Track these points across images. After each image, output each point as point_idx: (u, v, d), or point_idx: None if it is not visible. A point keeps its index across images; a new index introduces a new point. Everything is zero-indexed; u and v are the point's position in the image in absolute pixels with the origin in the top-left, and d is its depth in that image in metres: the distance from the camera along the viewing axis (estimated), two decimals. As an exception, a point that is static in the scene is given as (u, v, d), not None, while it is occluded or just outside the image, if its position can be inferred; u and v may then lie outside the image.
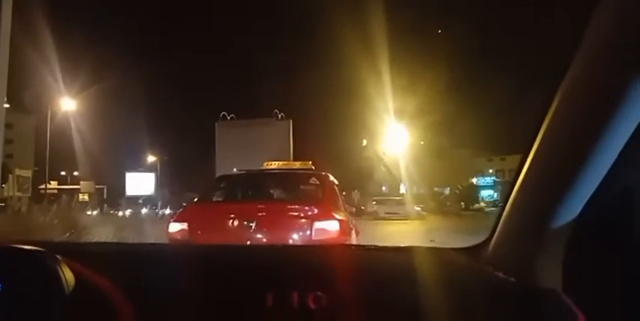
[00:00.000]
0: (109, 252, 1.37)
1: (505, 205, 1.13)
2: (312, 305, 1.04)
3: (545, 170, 0.99)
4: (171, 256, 1.37)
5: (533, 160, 1.01)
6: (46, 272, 0.95)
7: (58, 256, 1.00)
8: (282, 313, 1.04)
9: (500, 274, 1.08)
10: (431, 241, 10.41)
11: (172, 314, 1.05)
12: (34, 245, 1.04)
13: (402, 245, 1.38)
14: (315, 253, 1.51)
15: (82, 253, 1.16)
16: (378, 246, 1.45)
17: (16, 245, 1.02)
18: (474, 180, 51.34)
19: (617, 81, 0.81)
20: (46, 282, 0.95)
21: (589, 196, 0.95)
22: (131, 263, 1.20)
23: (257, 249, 2.22)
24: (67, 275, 0.97)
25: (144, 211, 33.84)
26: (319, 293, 1.05)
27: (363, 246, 1.56)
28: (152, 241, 6.54)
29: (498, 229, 1.15)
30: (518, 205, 1.08)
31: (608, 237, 0.98)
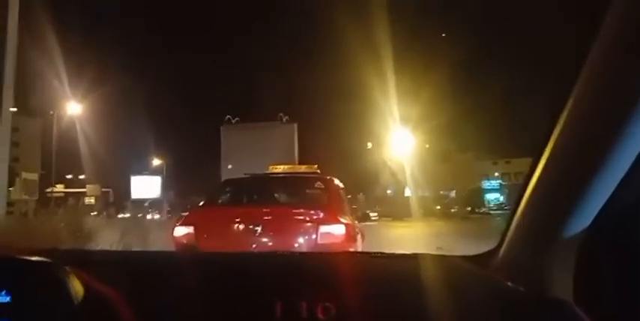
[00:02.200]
0: (117, 261, 1.37)
1: (515, 212, 1.11)
2: (320, 316, 1.03)
3: (557, 177, 0.97)
4: (179, 265, 1.37)
5: (544, 166, 0.99)
6: (55, 283, 0.95)
7: (66, 267, 1.00)
8: None
9: (510, 284, 1.07)
10: (438, 248, 10.34)
11: None
12: (42, 253, 1.04)
13: (409, 252, 1.37)
14: (322, 261, 1.50)
15: (89, 263, 1.16)
16: (385, 253, 1.44)
17: (24, 257, 1.02)
18: (480, 183, 51.19)
19: (631, 85, 0.80)
20: (55, 293, 0.94)
21: (602, 204, 0.93)
22: (138, 272, 1.20)
23: (265, 257, 2.21)
24: (75, 286, 0.97)
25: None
26: (327, 304, 1.04)
27: (370, 253, 1.55)
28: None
29: (508, 236, 1.13)
30: (529, 212, 1.06)
31: (621, 246, 0.96)
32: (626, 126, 0.81)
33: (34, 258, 1.02)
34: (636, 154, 0.86)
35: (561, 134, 0.94)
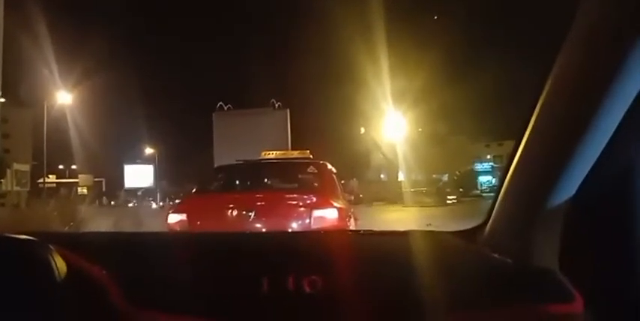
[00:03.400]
0: (102, 241, 1.37)
1: (501, 188, 1.13)
2: (307, 289, 1.04)
3: (539, 152, 0.99)
4: (165, 244, 1.37)
5: (527, 142, 1.01)
6: (37, 261, 0.95)
7: (49, 246, 1.00)
8: (278, 297, 1.04)
9: (497, 256, 1.09)
10: (427, 225, 10.45)
11: (165, 300, 1.05)
12: (27, 234, 1.04)
13: (398, 230, 1.39)
14: (311, 238, 1.52)
15: (74, 243, 1.16)
16: (374, 231, 1.45)
17: (7, 234, 1.02)
18: (472, 166, 51.39)
19: (607, 63, 0.82)
20: (38, 270, 0.94)
21: (583, 176, 0.95)
22: (124, 251, 1.20)
23: (252, 235, 2.22)
24: (59, 264, 0.96)
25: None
26: (314, 277, 1.05)
27: (359, 231, 1.56)
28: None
29: (494, 211, 1.15)
30: (514, 187, 1.08)
31: (603, 216, 0.98)
32: (603, 102, 0.83)
33: (16, 235, 1.02)
34: (615, 126, 0.87)
35: (542, 111, 0.95)
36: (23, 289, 0.92)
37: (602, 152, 0.91)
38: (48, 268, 0.94)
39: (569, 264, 1.00)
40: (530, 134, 1.00)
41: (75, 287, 0.96)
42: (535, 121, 0.98)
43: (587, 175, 0.95)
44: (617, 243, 0.97)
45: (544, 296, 0.97)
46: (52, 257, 0.96)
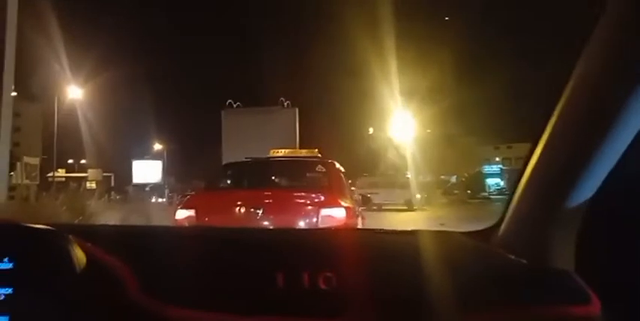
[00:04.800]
0: (120, 233, 1.38)
1: (516, 188, 1.12)
2: (322, 285, 1.04)
3: (559, 153, 0.98)
4: (183, 237, 1.38)
5: (546, 142, 1.00)
6: (57, 251, 0.96)
7: (69, 236, 1.00)
8: (293, 293, 1.04)
9: (512, 257, 1.08)
10: (441, 224, 10.42)
11: (180, 294, 1.05)
12: (45, 225, 1.05)
13: (410, 229, 1.38)
14: (324, 235, 1.51)
15: (92, 234, 1.16)
16: (386, 229, 1.44)
17: (27, 224, 1.03)
18: (481, 168, 51.17)
19: (631, 63, 0.81)
20: (57, 260, 0.95)
21: (603, 178, 0.94)
22: (141, 243, 1.20)
23: (267, 231, 2.22)
24: (78, 254, 0.97)
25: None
26: (329, 274, 1.05)
27: (371, 229, 1.56)
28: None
29: (509, 211, 1.14)
30: (531, 187, 1.07)
31: (621, 218, 0.97)
32: (624, 104, 0.83)
33: (36, 225, 1.02)
34: (636, 130, 0.86)
35: (562, 110, 0.94)
36: (43, 278, 0.93)
37: (624, 154, 0.90)
38: (68, 258, 0.95)
39: (586, 265, 0.99)
40: (549, 134, 0.98)
41: (93, 278, 0.96)
42: (555, 122, 0.96)
43: (607, 177, 0.94)
44: (635, 245, 0.96)
45: (560, 297, 0.96)
46: (72, 247, 0.97)
